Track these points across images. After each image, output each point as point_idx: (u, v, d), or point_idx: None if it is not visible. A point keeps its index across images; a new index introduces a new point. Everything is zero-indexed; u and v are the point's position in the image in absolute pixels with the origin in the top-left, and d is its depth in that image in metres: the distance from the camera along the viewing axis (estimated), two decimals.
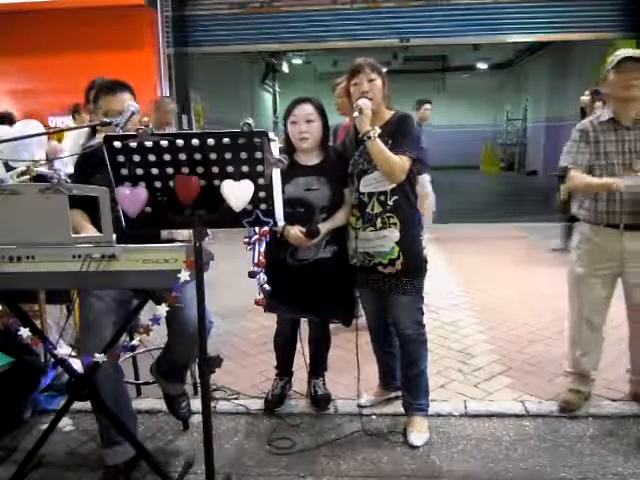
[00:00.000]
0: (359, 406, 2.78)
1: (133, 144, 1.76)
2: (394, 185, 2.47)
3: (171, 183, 1.80)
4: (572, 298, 2.80)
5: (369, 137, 2.38)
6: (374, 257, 2.53)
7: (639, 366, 2.84)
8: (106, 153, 1.79)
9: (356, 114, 2.40)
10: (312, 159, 2.62)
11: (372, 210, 2.51)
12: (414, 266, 2.54)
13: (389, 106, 2.56)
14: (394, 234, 2.49)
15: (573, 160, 2.65)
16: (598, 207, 2.62)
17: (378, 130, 2.40)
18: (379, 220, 2.50)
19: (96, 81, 3.45)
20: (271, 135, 1.78)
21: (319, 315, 2.74)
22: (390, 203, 2.49)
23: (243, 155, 1.77)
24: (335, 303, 2.68)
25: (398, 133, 2.47)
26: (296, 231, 2.51)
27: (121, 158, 1.79)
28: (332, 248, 2.62)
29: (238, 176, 1.79)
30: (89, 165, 2.37)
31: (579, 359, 2.82)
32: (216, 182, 1.80)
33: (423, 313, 2.64)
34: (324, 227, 2.55)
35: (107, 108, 2.37)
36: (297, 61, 14.85)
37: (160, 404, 2.74)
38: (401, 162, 2.42)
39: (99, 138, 3.31)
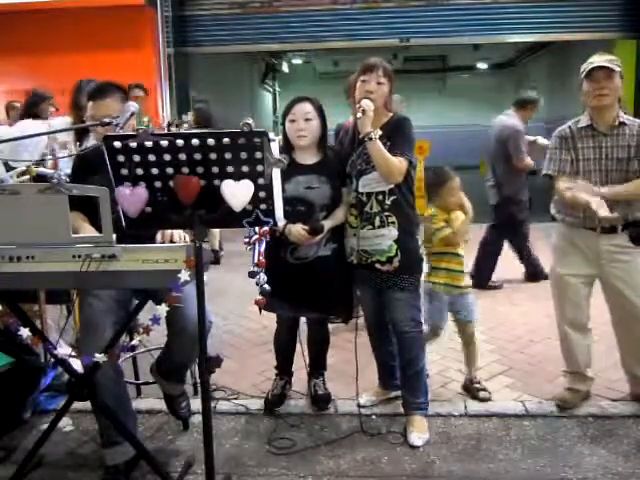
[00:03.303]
0: (359, 406, 2.78)
1: (133, 144, 1.77)
2: (392, 185, 2.50)
3: (171, 183, 1.81)
4: (555, 298, 2.83)
5: (370, 138, 2.40)
6: (372, 255, 2.55)
7: (629, 366, 2.83)
8: (106, 153, 1.79)
9: (359, 115, 2.41)
10: (311, 158, 2.63)
11: (371, 209, 2.53)
12: (411, 263, 2.57)
13: (389, 108, 2.57)
14: (392, 232, 2.51)
15: (558, 168, 2.68)
16: (576, 212, 2.64)
17: (379, 132, 2.42)
18: (377, 219, 2.52)
19: (81, 83, 3.45)
20: (271, 135, 1.78)
21: (319, 312, 2.75)
22: (388, 202, 2.51)
23: (243, 155, 1.77)
24: (335, 300, 2.70)
25: (396, 135, 2.50)
26: (298, 229, 2.52)
27: (121, 158, 1.79)
28: (332, 246, 2.63)
29: (238, 176, 1.79)
30: (87, 167, 2.37)
31: (570, 358, 2.84)
32: (216, 182, 1.80)
33: (420, 310, 2.66)
34: (327, 224, 2.57)
35: (92, 113, 2.34)
36: (297, 61, 14.84)
37: (160, 404, 2.74)
38: (399, 164, 2.46)
39: (92, 139, 3.31)
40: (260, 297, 2.46)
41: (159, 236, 2.22)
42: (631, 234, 2.61)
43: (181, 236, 2.22)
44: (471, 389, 2.94)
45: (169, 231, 2.22)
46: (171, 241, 2.24)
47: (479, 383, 2.96)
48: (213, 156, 1.77)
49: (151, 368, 2.57)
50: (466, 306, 2.90)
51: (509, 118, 4.75)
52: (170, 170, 1.80)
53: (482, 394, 2.89)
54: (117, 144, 1.78)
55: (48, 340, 2.14)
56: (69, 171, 2.57)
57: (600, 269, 2.67)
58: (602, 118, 2.61)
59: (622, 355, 2.85)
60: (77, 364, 2.18)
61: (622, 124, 2.60)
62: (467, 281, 2.97)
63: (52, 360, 2.68)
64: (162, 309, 1.91)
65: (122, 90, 2.44)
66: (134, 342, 2.16)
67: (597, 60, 2.57)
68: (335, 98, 5.20)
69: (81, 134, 3.40)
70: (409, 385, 2.68)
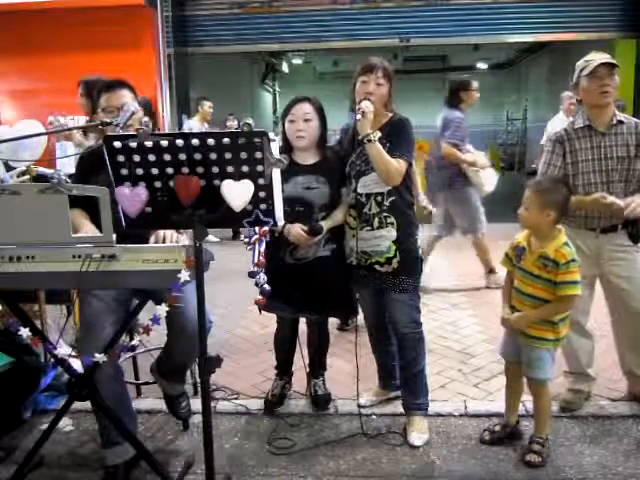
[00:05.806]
0: (359, 406, 2.78)
1: (133, 144, 1.76)
2: (390, 186, 2.49)
3: (171, 183, 1.81)
4: None
5: (369, 140, 2.40)
6: (371, 256, 2.55)
7: (628, 365, 2.83)
8: (106, 153, 1.79)
9: (358, 117, 2.40)
10: (310, 158, 2.62)
11: (369, 210, 2.53)
12: (410, 264, 2.57)
13: (388, 108, 2.56)
14: (391, 233, 2.51)
15: (545, 171, 2.68)
16: (577, 212, 2.64)
17: (378, 134, 2.41)
18: (376, 220, 2.52)
19: (91, 83, 3.46)
20: (271, 135, 1.78)
21: (319, 313, 2.75)
22: (387, 204, 2.51)
23: (243, 155, 1.77)
24: (334, 300, 2.69)
25: (395, 136, 2.49)
26: (297, 229, 2.52)
27: (121, 158, 1.79)
28: (331, 246, 2.63)
29: (238, 176, 1.79)
30: (91, 165, 2.37)
31: (571, 360, 2.84)
32: (216, 182, 1.80)
33: (420, 312, 2.65)
34: (325, 225, 2.56)
35: (106, 105, 2.38)
36: (297, 61, 14.84)
37: (160, 404, 2.74)
38: (398, 166, 2.45)
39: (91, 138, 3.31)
40: (260, 297, 2.46)
41: (152, 238, 2.21)
42: (630, 232, 2.62)
43: (173, 238, 2.20)
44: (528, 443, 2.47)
45: (161, 234, 2.21)
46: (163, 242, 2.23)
47: (539, 442, 2.42)
48: (213, 156, 1.77)
49: (151, 368, 2.57)
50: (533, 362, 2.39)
51: None
52: (170, 170, 1.80)
53: (528, 457, 2.39)
54: (117, 144, 1.77)
55: (48, 340, 2.14)
56: (69, 171, 2.57)
57: (601, 269, 2.68)
58: (600, 117, 2.59)
59: (621, 354, 2.85)
60: (77, 364, 2.19)
61: (620, 122, 2.60)
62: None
63: (52, 360, 2.68)
64: (162, 309, 1.90)
65: (132, 88, 2.47)
66: (134, 342, 2.16)
67: (598, 57, 2.55)
68: (335, 98, 5.19)
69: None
70: (409, 386, 2.68)
